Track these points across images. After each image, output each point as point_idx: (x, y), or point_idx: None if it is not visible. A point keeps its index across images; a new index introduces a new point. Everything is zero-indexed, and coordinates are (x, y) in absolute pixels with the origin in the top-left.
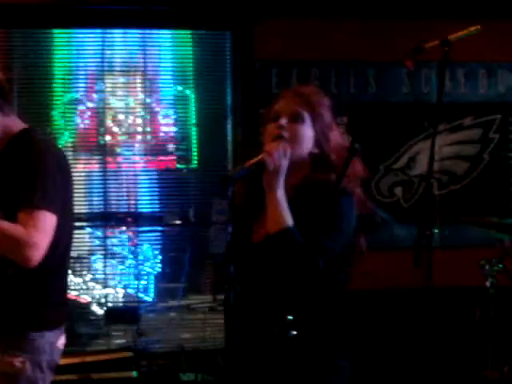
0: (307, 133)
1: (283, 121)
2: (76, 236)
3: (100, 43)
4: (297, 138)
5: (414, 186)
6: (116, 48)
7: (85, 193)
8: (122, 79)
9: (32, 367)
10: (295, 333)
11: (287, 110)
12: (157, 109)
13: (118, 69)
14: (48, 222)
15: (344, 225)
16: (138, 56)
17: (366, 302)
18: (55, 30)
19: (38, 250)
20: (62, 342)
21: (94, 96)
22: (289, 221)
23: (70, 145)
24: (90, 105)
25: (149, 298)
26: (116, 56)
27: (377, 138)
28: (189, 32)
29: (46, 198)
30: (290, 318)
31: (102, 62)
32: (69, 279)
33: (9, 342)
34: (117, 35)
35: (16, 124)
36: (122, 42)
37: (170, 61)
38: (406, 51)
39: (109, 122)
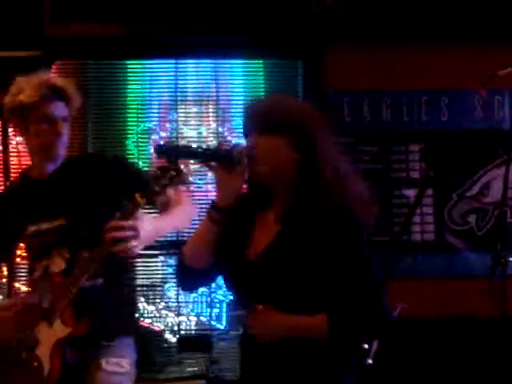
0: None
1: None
2: (149, 264)
3: (173, 73)
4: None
5: (488, 213)
6: (188, 78)
7: None
8: (194, 109)
9: (133, 367)
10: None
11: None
12: (229, 138)
13: (190, 98)
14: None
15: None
16: (211, 86)
17: (440, 330)
18: (129, 61)
19: None
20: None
21: (167, 125)
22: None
23: None
24: (163, 134)
25: (221, 325)
26: (189, 86)
27: (449, 166)
28: (260, 61)
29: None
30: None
31: (175, 92)
32: (142, 307)
33: (114, 346)
34: (189, 65)
35: None
36: (194, 71)
37: (241, 90)
38: (480, 79)
39: None
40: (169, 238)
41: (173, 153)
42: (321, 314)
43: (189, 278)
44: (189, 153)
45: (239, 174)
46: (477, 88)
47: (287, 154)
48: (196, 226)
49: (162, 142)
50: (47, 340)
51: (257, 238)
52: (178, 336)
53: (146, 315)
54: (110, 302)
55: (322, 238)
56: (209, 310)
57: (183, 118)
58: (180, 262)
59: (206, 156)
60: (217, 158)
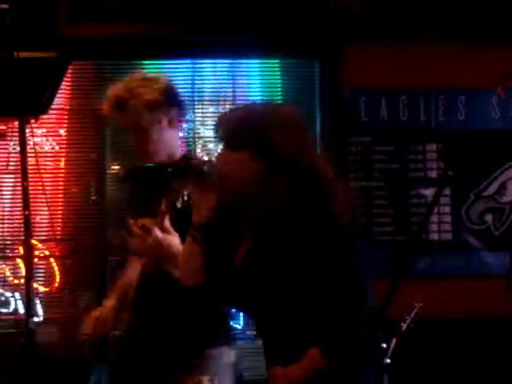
0: None
1: None
2: None
3: (190, 73)
4: None
5: (505, 212)
6: (205, 78)
7: None
8: (211, 109)
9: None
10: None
11: None
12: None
13: (207, 98)
14: None
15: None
16: (227, 86)
17: (458, 330)
18: (145, 62)
19: None
20: (232, 358)
21: (184, 126)
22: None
23: None
24: (180, 134)
25: (238, 325)
26: (205, 86)
27: (467, 165)
28: (277, 61)
29: None
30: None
31: (192, 92)
32: None
33: (193, 362)
34: (206, 65)
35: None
36: (211, 71)
37: (258, 90)
38: (496, 78)
39: (199, 152)
40: None
41: (141, 175)
42: (313, 349)
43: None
44: (155, 172)
45: (212, 189)
46: (495, 87)
47: (251, 165)
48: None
49: (128, 169)
50: None
51: (241, 249)
52: None
53: None
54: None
55: (296, 246)
56: None
57: (200, 118)
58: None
59: (177, 174)
60: (188, 174)
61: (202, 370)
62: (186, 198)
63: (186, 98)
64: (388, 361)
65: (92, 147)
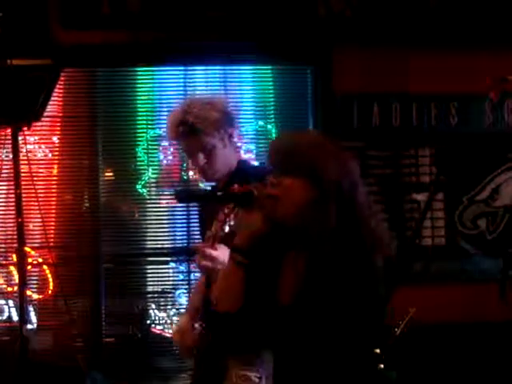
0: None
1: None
2: (160, 271)
3: (182, 80)
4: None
5: (498, 217)
6: (198, 84)
7: (168, 228)
8: None
9: (265, 381)
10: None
11: None
12: (239, 144)
13: None
14: None
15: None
16: (220, 91)
17: (452, 335)
18: (138, 68)
19: None
20: None
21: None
22: None
23: (153, 180)
24: (171, 141)
25: None
26: (198, 92)
27: (459, 170)
28: (269, 67)
29: None
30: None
31: (185, 98)
32: (153, 314)
33: (244, 358)
34: (198, 71)
35: (235, 157)
36: (203, 77)
37: (251, 96)
38: (490, 83)
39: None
40: (179, 245)
41: (190, 198)
42: None
43: (220, 323)
44: (207, 197)
45: (258, 213)
46: (487, 92)
47: (303, 191)
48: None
49: (178, 189)
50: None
51: (287, 281)
52: None
53: (157, 322)
54: None
55: (341, 285)
56: None
57: None
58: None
59: (225, 199)
60: (236, 199)
61: (251, 365)
62: (231, 223)
63: (178, 103)
64: (381, 366)
65: (85, 154)
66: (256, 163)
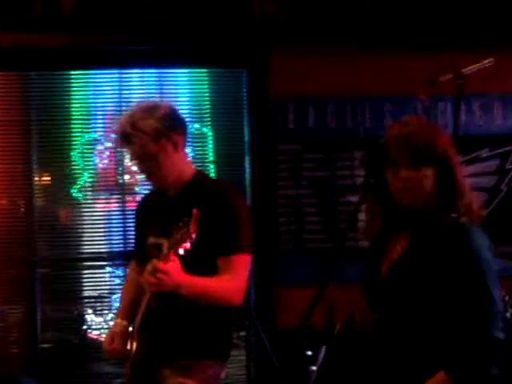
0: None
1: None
2: (96, 275)
3: (117, 83)
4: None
5: None
6: (133, 87)
7: (104, 232)
8: None
9: None
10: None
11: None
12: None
13: None
14: (249, 262)
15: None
16: (155, 95)
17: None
18: (72, 72)
19: (243, 292)
20: (223, 375)
21: (112, 135)
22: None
23: (89, 185)
24: (108, 144)
25: None
26: (133, 95)
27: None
28: (205, 70)
29: (246, 241)
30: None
31: (120, 102)
32: (90, 319)
33: (185, 366)
34: (134, 75)
35: (187, 165)
36: (138, 81)
37: (186, 99)
38: (421, 85)
39: (127, 161)
40: (116, 249)
41: None
42: (439, 372)
43: None
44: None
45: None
46: (418, 94)
47: (432, 183)
48: None
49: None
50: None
51: (388, 254)
52: None
53: (94, 327)
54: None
55: (444, 260)
56: None
57: None
58: None
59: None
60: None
61: (187, 374)
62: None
63: (114, 107)
64: (314, 368)
65: (19, 159)
66: (212, 176)
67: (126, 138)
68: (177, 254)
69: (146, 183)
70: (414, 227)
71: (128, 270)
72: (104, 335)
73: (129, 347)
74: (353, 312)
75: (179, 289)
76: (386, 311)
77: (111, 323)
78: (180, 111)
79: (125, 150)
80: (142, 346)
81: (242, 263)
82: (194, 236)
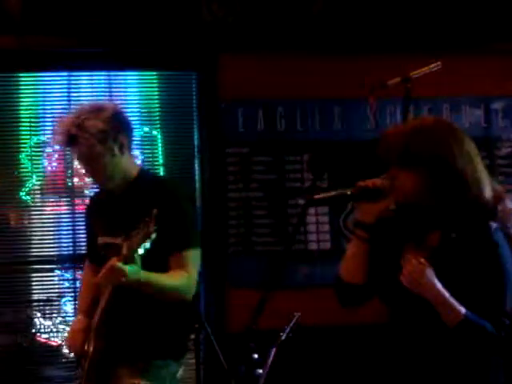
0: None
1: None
2: (45, 278)
3: (66, 85)
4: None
5: None
6: (82, 90)
7: (53, 235)
8: None
9: None
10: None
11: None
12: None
13: None
14: (199, 256)
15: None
16: (104, 97)
17: (335, 338)
18: (21, 74)
19: (195, 286)
20: (180, 373)
21: (56, 135)
22: (460, 309)
23: (37, 187)
24: (56, 147)
25: None
26: (82, 97)
27: (341, 176)
28: (155, 73)
29: (195, 235)
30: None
31: (69, 104)
32: (38, 322)
33: (137, 367)
34: (83, 77)
35: (133, 166)
36: (87, 83)
37: (136, 102)
38: (370, 88)
39: (76, 164)
40: (65, 252)
41: (325, 202)
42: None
43: (348, 294)
44: (341, 198)
45: (385, 202)
46: (366, 97)
47: (424, 183)
48: None
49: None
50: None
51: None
52: None
53: (42, 330)
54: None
55: (470, 261)
56: None
57: None
58: (338, 281)
59: (357, 197)
60: (367, 195)
61: (143, 374)
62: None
63: (63, 109)
64: (260, 371)
65: None
66: (157, 173)
67: (71, 138)
68: (137, 253)
69: (96, 186)
70: (445, 226)
71: (83, 270)
72: (54, 339)
73: (86, 347)
74: (299, 315)
75: (137, 286)
76: (413, 313)
77: (60, 326)
78: (129, 114)
79: (69, 150)
80: (100, 346)
81: (194, 258)
82: (153, 236)
